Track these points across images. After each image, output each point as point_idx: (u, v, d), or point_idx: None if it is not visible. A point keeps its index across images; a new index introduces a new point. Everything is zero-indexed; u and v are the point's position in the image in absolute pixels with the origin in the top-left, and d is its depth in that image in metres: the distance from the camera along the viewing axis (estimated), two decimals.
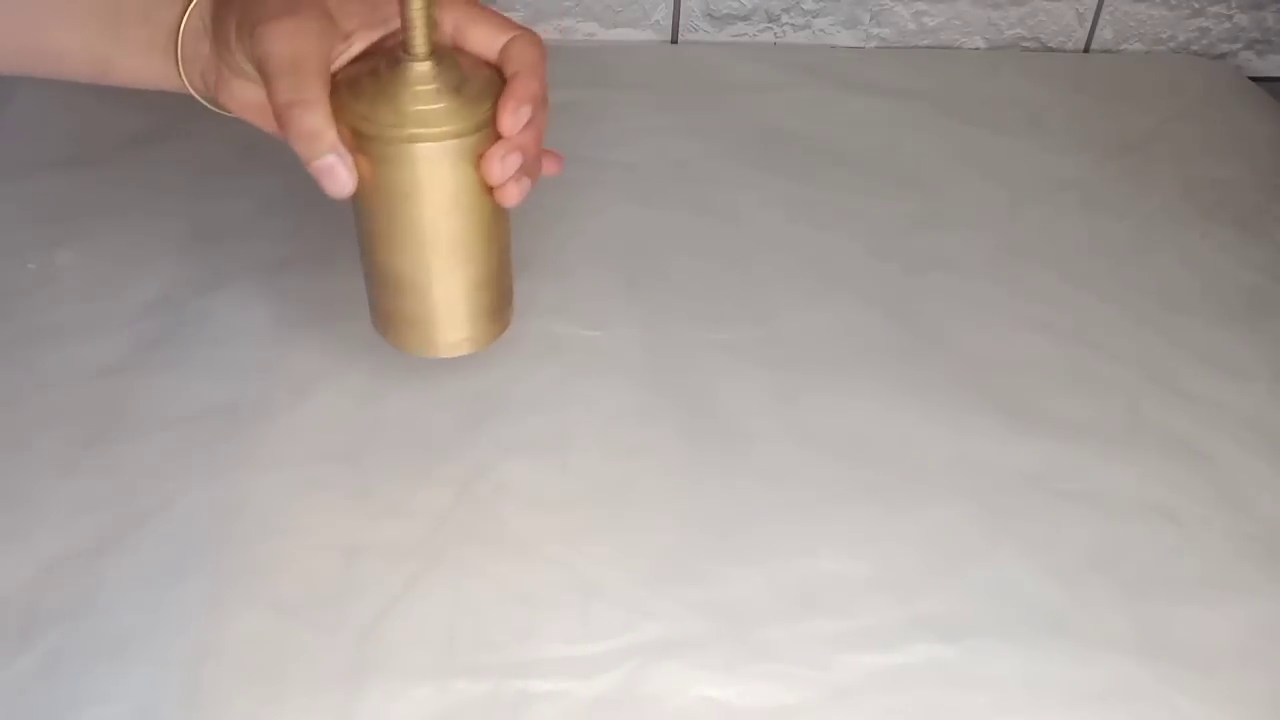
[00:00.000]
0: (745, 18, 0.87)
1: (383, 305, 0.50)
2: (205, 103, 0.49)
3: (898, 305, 0.65)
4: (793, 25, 0.88)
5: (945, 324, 0.64)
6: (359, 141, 0.44)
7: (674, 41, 0.88)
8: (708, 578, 0.50)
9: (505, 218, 0.49)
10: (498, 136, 0.45)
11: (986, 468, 0.55)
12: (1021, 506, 0.54)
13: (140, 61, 0.50)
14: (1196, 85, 0.88)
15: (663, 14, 0.86)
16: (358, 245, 0.49)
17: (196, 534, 0.50)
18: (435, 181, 0.45)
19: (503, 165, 0.45)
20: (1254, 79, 0.91)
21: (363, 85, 0.44)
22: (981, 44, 0.90)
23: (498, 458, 0.54)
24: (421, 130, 0.44)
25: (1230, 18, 0.90)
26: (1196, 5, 0.89)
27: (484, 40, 0.46)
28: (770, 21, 0.88)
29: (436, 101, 0.44)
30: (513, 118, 0.44)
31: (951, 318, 0.64)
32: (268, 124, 0.48)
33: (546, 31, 0.87)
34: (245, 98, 0.48)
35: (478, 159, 0.45)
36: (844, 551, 0.51)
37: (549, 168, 0.50)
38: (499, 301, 0.51)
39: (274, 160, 0.72)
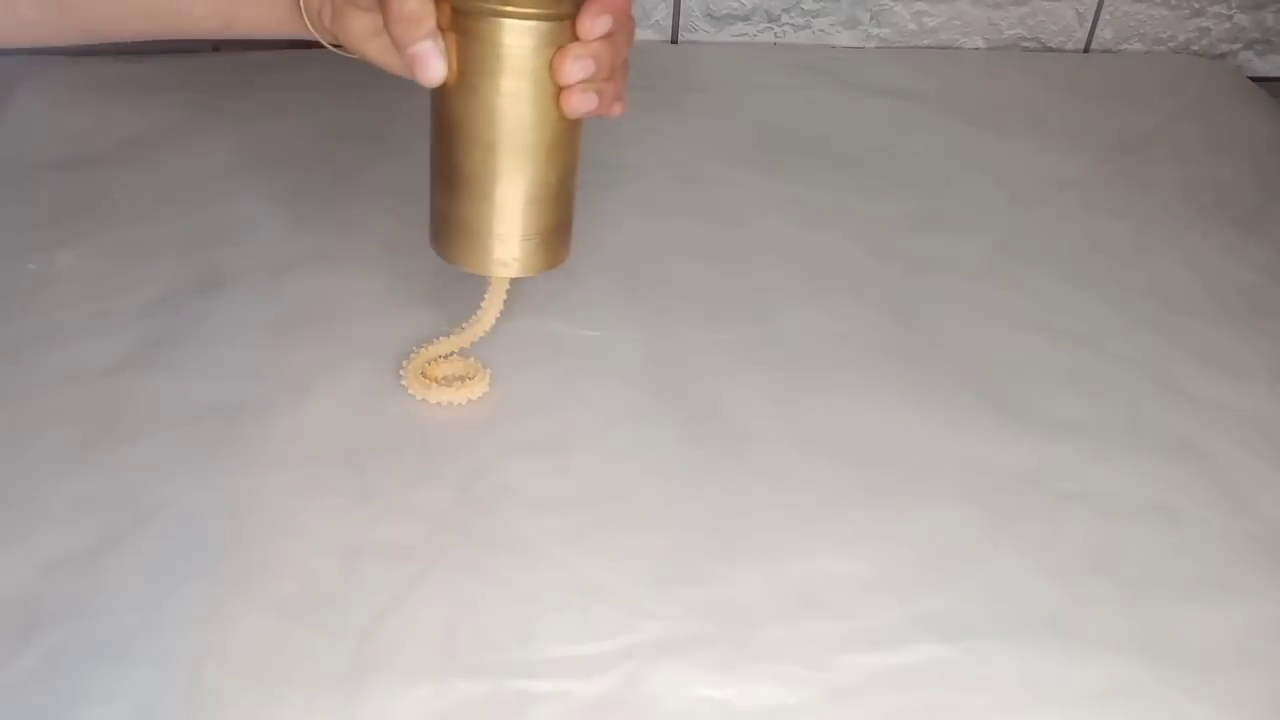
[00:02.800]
0: (745, 18, 0.87)
1: (440, 208, 0.51)
2: (327, 44, 0.50)
3: (898, 305, 0.65)
4: (793, 25, 0.88)
5: (945, 324, 0.64)
6: (454, 19, 0.46)
7: (674, 41, 0.88)
8: (708, 578, 0.50)
9: (575, 137, 0.50)
10: (576, 38, 0.46)
11: (986, 468, 0.55)
12: (1021, 506, 0.54)
13: (264, 9, 0.51)
14: (1196, 85, 0.88)
15: (663, 14, 0.87)
16: (430, 144, 0.50)
17: (197, 534, 0.50)
18: (512, 64, 0.46)
19: (573, 64, 0.45)
20: (1254, 79, 0.91)
21: None
22: (981, 44, 0.90)
23: (498, 458, 0.54)
24: (507, 7, 0.45)
25: (1230, 18, 0.90)
26: (1196, 5, 0.89)
27: None
28: (770, 21, 0.88)
29: None
30: (592, 21, 0.45)
31: (951, 318, 0.64)
32: (388, 59, 0.49)
33: None
34: (362, 28, 0.49)
35: (551, 54, 0.46)
36: (844, 551, 0.51)
37: (615, 108, 0.50)
38: (554, 227, 0.51)
39: (275, 161, 0.72)
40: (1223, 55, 0.92)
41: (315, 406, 0.56)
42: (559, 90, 0.47)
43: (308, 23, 0.50)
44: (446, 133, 0.49)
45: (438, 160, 0.50)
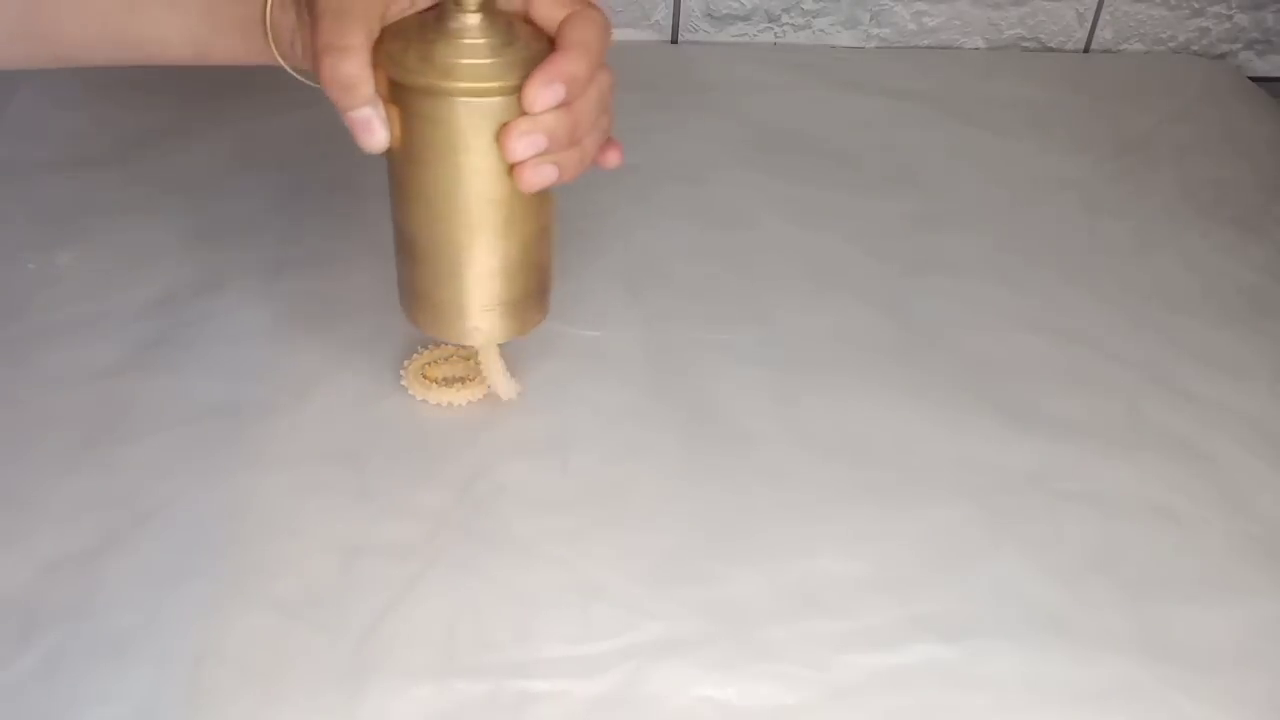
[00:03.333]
0: (745, 18, 0.87)
1: (401, 275, 0.49)
2: (296, 75, 0.48)
3: (898, 305, 0.65)
4: (793, 25, 0.88)
5: (945, 324, 0.64)
6: (392, 90, 0.43)
7: (674, 41, 0.88)
8: (708, 578, 0.50)
9: (538, 207, 0.47)
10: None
11: (986, 468, 0.55)
12: (1021, 506, 0.54)
13: (236, 40, 0.49)
14: (1196, 85, 0.88)
15: (663, 14, 0.86)
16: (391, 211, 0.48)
17: (197, 534, 0.50)
18: (457, 140, 0.43)
19: (518, 141, 0.42)
20: (1254, 79, 0.91)
21: (408, 33, 0.43)
22: (981, 44, 0.90)
23: (498, 458, 0.54)
24: (446, 83, 0.42)
25: (1230, 18, 0.90)
26: (1196, 5, 0.89)
27: (547, 10, 0.44)
28: (770, 21, 0.88)
29: (473, 56, 0.42)
30: (539, 91, 0.42)
31: (951, 318, 0.64)
32: None
33: None
34: None
35: (501, 130, 0.43)
36: (844, 551, 0.51)
37: (606, 159, 0.48)
38: (519, 298, 0.49)
39: (275, 161, 0.72)
40: (1223, 55, 0.92)
41: (315, 406, 0.56)
42: (510, 166, 0.44)
43: (277, 55, 0.48)
44: (401, 200, 0.47)
45: (396, 227, 0.48)
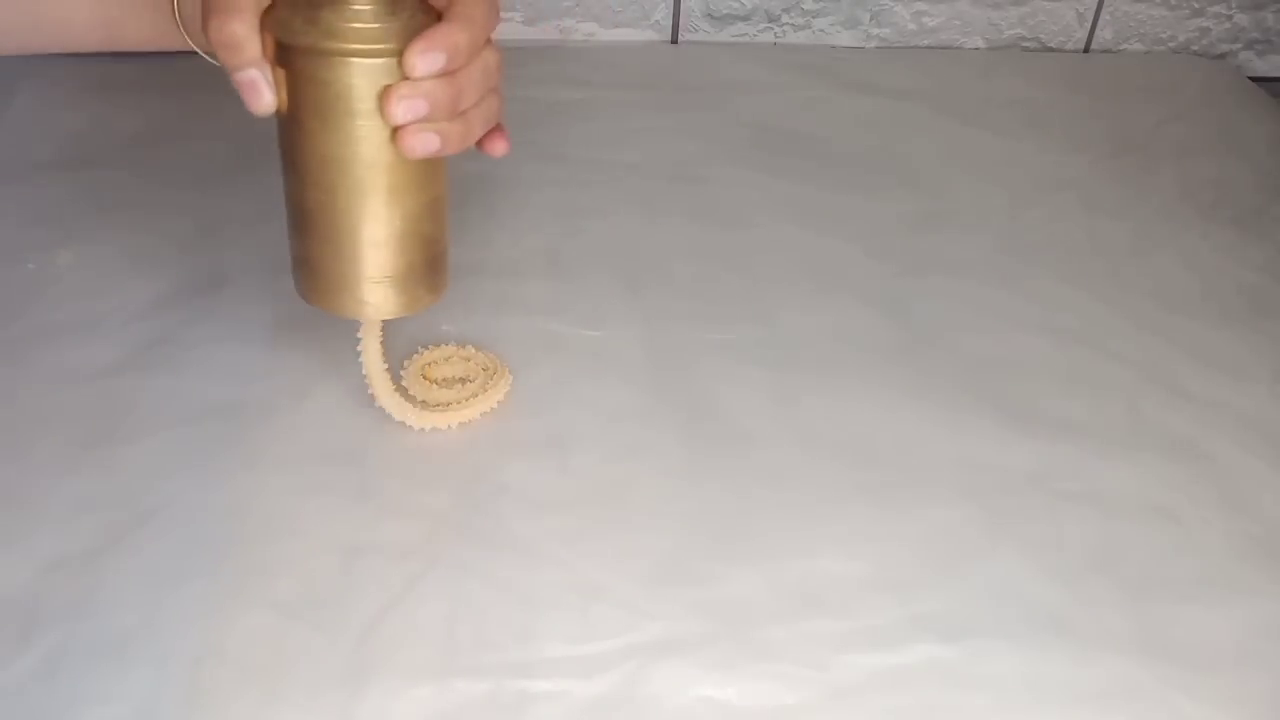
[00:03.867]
0: (745, 18, 0.87)
1: (291, 246, 0.49)
2: (206, 57, 0.49)
3: (897, 306, 0.65)
4: (793, 25, 0.88)
5: (945, 324, 0.64)
6: (279, 53, 0.44)
7: (674, 41, 0.88)
8: (708, 578, 0.50)
9: (425, 176, 0.47)
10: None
11: (986, 468, 0.55)
12: (1021, 506, 0.54)
13: (147, 22, 0.49)
14: (1196, 85, 0.88)
15: (663, 14, 0.87)
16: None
17: (197, 534, 0.50)
18: (340, 102, 0.43)
19: (399, 104, 0.43)
20: (1254, 79, 0.91)
21: (296, 1, 0.44)
22: (981, 44, 0.90)
23: (498, 458, 0.54)
24: (329, 43, 0.42)
25: (1230, 18, 0.90)
26: (1196, 5, 0.90)
27: None
28: (770, 21, 0.88)
29: (358, 20, 0.42)
30: (420, 58, 0.42)
31: (951, 318, 0.64)
32: None
33: (546, 31, 0.87)
34: None
35: (381, 94, 0.43)
36: (844, 552, 0.51)
37: (494, 147, 0.49)
38: (408, 271, 0.48)
39: (274, 161, 0.72)
40: (1223, 55, 0.92)
41: (315, 406, 0.56)
42: (393, 130, 0.44)
43: (186, 36, 0.48)
44: (287, 169, 0.47)
45: (286, 196, 0.48)
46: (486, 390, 0.56)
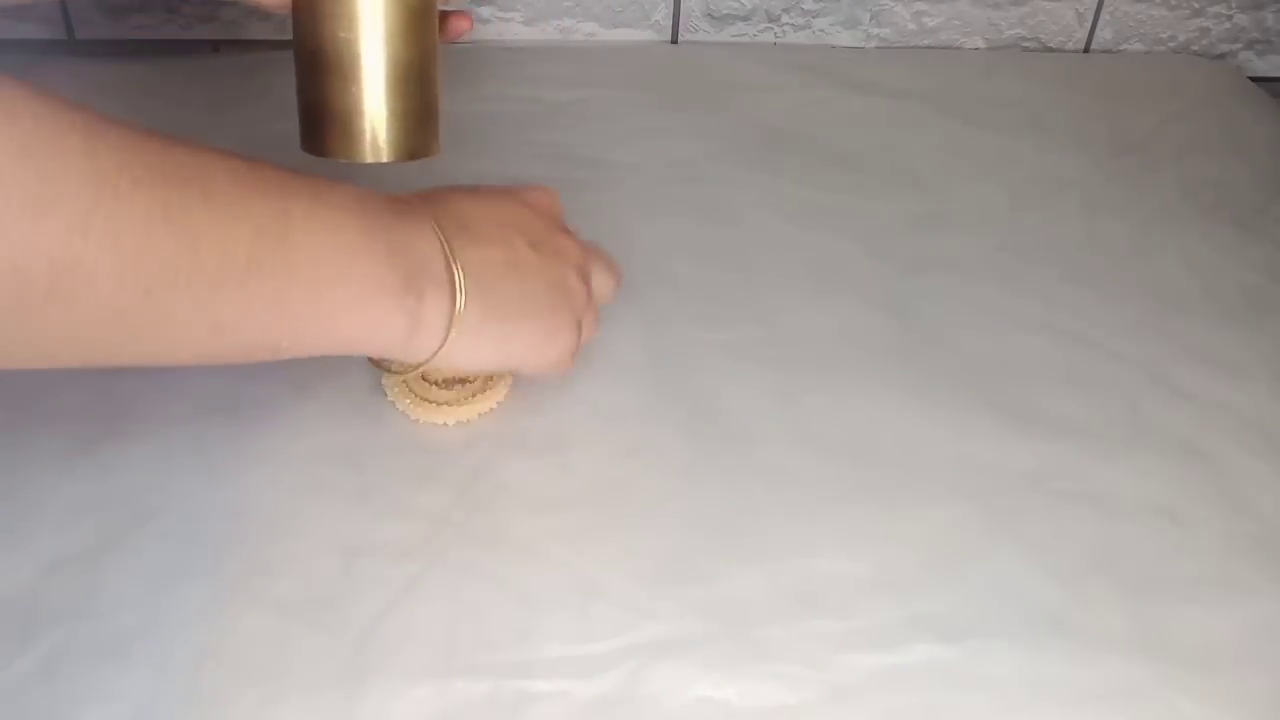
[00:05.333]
0: (745, 18, 0.87)
1: (307, 98, 0.51)
2: None
3: (898, 305, 0.65)
4: (793, 25, 0.88)
5: (945, 324, 0.64)
6: None
7: (674, 41, 0.88)
8: (708, 578, 0.50)
9: (431, 16, 0.51)
10: None
11: (986, 468, 0.55)
12: (1021, 506, 0.54)
13: None
14: (1196, 85, 0.88)
15: (663, 14, 0.87)
16: (293, 33, 0.51)
17: (197, 534, 0.50)
18: None
19: None
20: (1254, 79, 0.91)
21: None
22: (981, 44, 0.90)
23: (498, 458, 0.54)
24: None
25: (1230, 18, 0.90)
26: (1196, 5, 0.89)
27: None
28: (770, 21, 0.88)
29: None
30: None
31: (952, 318, 0.64)
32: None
33: (546, 31, 0.87)
34: None
35: None
36: (844, 551, 0.51)
37: (458, 25, 0.54)
38: (424, 109, 0.52)
39: (274, 161, 0.72)
40: (1223, 55, 0.92)
41: (315, 406, 0.56)
42: None
43: None
44: (308, 15, 0.50)
45: (302, 47, 0.51)
46: (486, 391, 0.56)
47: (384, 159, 0.51)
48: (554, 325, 0.51)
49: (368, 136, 0.51)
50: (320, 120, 0.51)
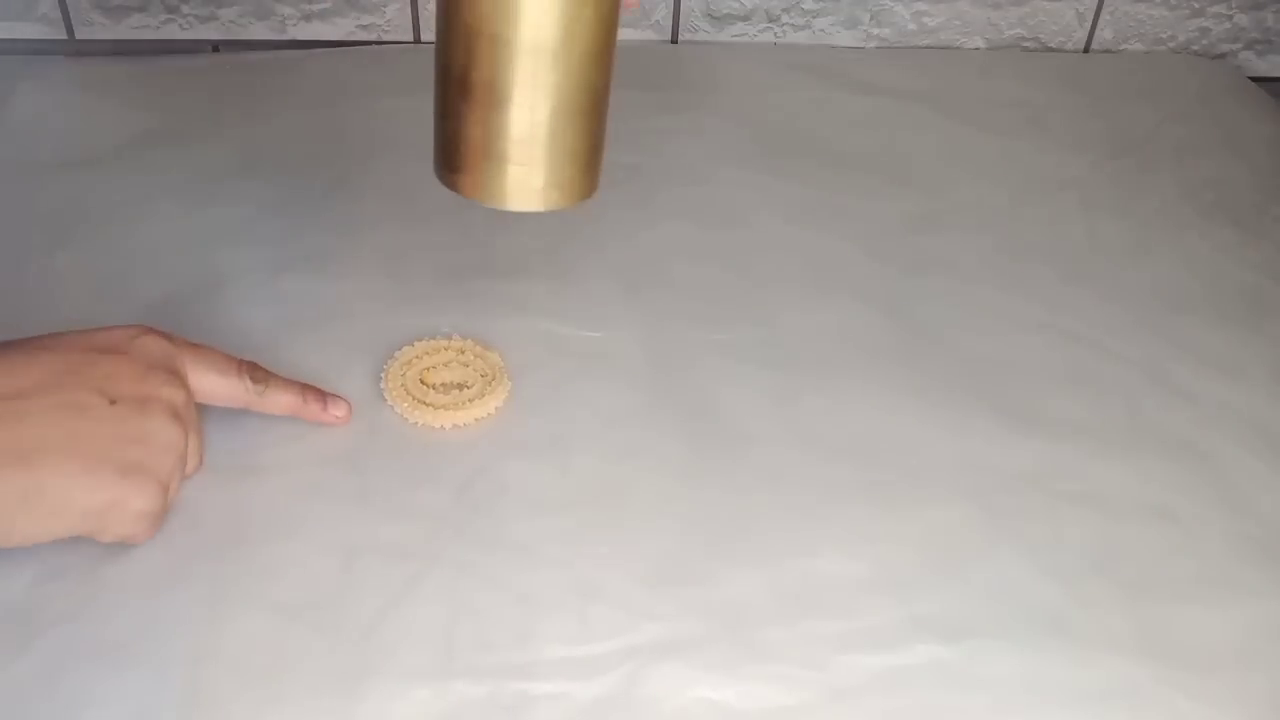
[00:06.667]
0: (745, 18, 0.87)
1: (449, 132, 0.43)
2: None
3: (897, 306, 0.65)
4: (793, 25, 0.88)
5: (945, 324, 0.64)
6: None
7: (674, 41, 0.88)
8: (707, 578, 0.50)
9: (614, 30, 0.42)
10: None
11: (986, 468, 0.55)
12: (1021, 506, 0.54)
13: None
14: (1196, 85, 0.88)
15: (663, 14, 0.86)
16: (440, 53, 0.43)
17: (196, 536, 0.50)
18: None
19: None
20: (1254, 79, 0.91)
21: None
22: (981, 44, 0.90)
23: (497, 459, 0.54)
24: None
25: (1230, 18, 0.90)
26: (1196, 5, 0.89)
27: None
28: (770, 21, 0.88)
29: None
30: None
31: (951, 318, 0.64)
32: None
33: None
34: None
35: None
36: (844, 552, 0.51)
37: None
38: (590, 146, 0.44)
39: (274, 161, 0.72)
40: (1223, 55, 0.92)
41: None
42: None
43: None
44: (464, 36, 0.41)
45: (452, 71, 0.42)
46: (484, 395, 0.56)
47: (540, 208, 0.44)
48: (113, 480, 0.45)
49: (525, 181, 0.43)
50: (466, 156, 0.43)
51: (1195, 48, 0.92)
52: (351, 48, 0.84)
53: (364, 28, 0.84)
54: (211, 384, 0.51)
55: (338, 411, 0.54)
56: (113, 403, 0.45)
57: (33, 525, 0.44)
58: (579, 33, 0.41)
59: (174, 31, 0.82)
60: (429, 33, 0.84)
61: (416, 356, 0.58)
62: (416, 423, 0.55)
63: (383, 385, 0.56)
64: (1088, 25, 0.90)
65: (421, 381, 0.57)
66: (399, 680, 0.45)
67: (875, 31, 0.89)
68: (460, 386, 0.57)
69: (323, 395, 0.54)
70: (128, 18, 0.81)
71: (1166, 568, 0.52)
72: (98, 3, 0.80)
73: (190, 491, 0.52)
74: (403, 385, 0.56)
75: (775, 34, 0.88)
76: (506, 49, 0.40)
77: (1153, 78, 0.88)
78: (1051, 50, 0.91)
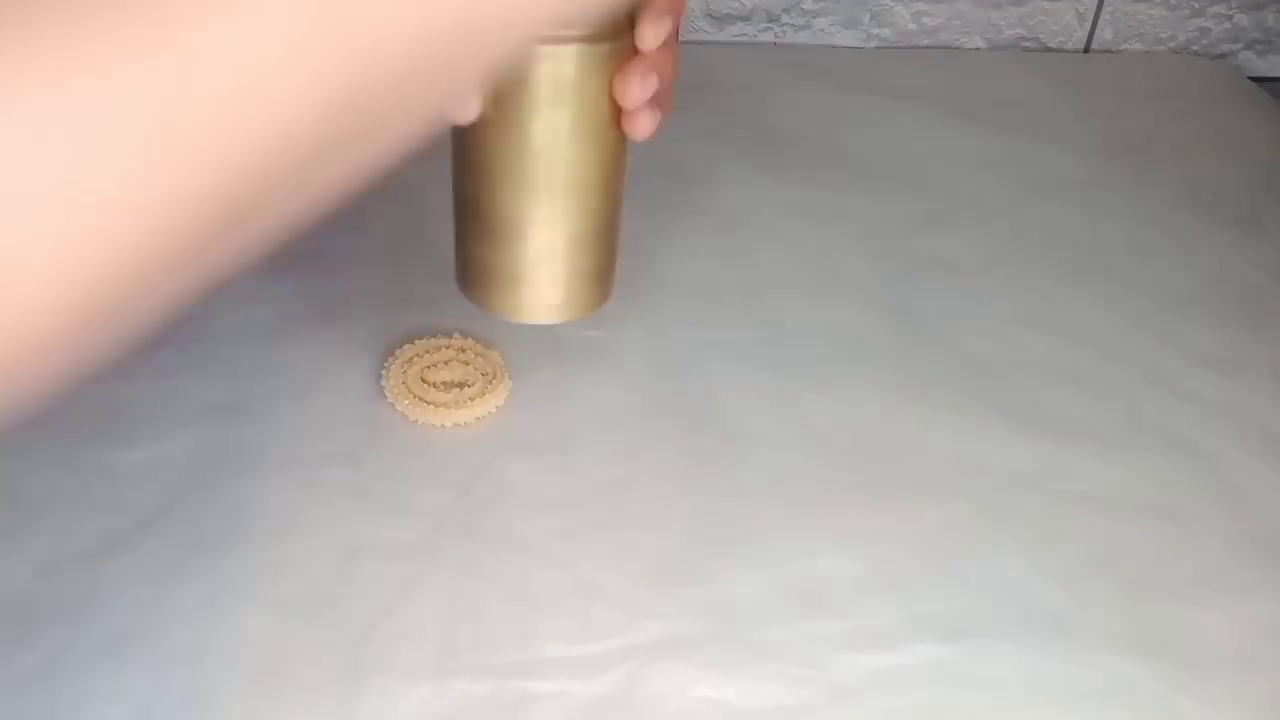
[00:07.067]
0: (745, 18, 0.87)
1: (470, 254, 0.45)
2: None
3: (898, 306, 0.65)
4: (793, 25, 0.88)
5: (945, 324, 0.64)
6: None
7: None
8: (708, 578, 0.50)
9: (624, 161, 0.45)
10: (634, 53, 0.40)
11: (986, 468, 0.55)
12: (1021, 506, 0.54)
13: None
14: (1196, 85, 0.88)
15: None
16: (451, 181, 0.45)
17: (196, 535, 0.50)
18: (560, 93, 0.40)
19: (639, 84, 0.40)
20: (1254, 79, 0.91)
21: None
22: (981, 44, 0.90)
23: (498, 458, 0.54)
24: (562, 31, 0.39)
25: (1230, 18, 0.90)
26: (1196, 5, 0.89)
27: None
28: (770, 21, 0.88)
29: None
30: (654, 28, 0.40)
31: (951, 318, 0.64)
32: None
33: None
34: None
35: (607, 77, 0.40)
36: (844, 552, 0.51)
37: (640, 127, 0.44)
38: (603, 264, 0.46)
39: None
40: (1223, 55, 0.92)
41: (315, 406, 0.56)
42: (615, 114, 0.42)
43: None
44: (481, 173, 0.43)
45: (469, 202, 0.45)
46: (485, 395, 0.56)
47: (556, 320, 0.47)
48: None
49: (539, 301, 0.45)
50: (481, 277, 0.46)
51: (1195, 48, 0.92)
52: None
53: None
54: None
55: None
56: None
57: None
58: (590, 170, 0.43)
59: None
60: None
61: (417, 355, 0.58)
62: (417, 421, 0.55)
63: (383, 383, 0.56)
64: (1088, 25, 0.90)
65: (422, 380, 0.57)
66: (399, 679, 0.45)
67: (875, 31, 0.89)
68: (461, 385, 0.57)
69: None
70: None
71: (1166, 568, 0.52)
72: None
73: (191, 490, 0.52)
74: (403, 383, 0.56)
75: (775, 34, 0.88)
76: (520, 186, 0.43)
77: (1153, 78, 0.88)
78: (1051, 50, 0.91)
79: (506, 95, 0.41)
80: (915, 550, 0.51)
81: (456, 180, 0.45)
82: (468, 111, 0.41)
